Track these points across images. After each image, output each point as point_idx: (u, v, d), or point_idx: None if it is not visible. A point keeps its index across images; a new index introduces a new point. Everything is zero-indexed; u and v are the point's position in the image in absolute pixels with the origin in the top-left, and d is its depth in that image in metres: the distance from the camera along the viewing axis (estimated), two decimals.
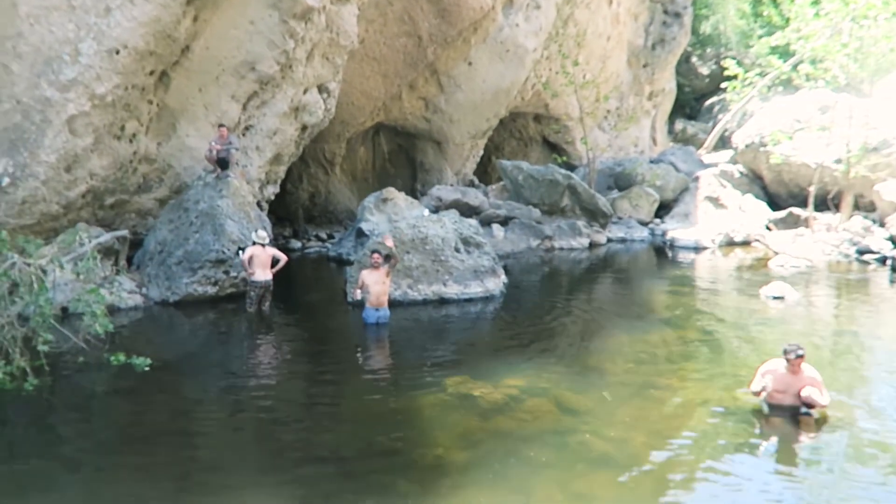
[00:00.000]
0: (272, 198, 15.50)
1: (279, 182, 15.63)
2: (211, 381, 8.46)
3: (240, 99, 13.60)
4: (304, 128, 15.12)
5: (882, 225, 17.43)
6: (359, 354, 9.51)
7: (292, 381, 8.53)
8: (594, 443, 6.34)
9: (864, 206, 19.07)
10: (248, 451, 6.42)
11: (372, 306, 10.12)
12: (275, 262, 11.01)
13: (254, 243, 10.96)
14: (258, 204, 14.16)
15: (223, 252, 11.58)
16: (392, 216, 14.92)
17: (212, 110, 13.33)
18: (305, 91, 14.59)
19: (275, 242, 14.04)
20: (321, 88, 15.09)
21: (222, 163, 12.59)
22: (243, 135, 14.18)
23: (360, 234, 14.76)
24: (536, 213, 18.06)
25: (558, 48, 21.08)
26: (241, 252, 11.28)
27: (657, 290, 13.43)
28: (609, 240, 18.55)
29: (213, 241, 11.68)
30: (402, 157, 21.56)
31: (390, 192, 15.89)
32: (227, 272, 11.60)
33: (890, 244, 16.13)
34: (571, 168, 22.07)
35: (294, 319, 11.52)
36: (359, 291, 10.18)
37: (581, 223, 17.98)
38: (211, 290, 11.62)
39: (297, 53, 13.65)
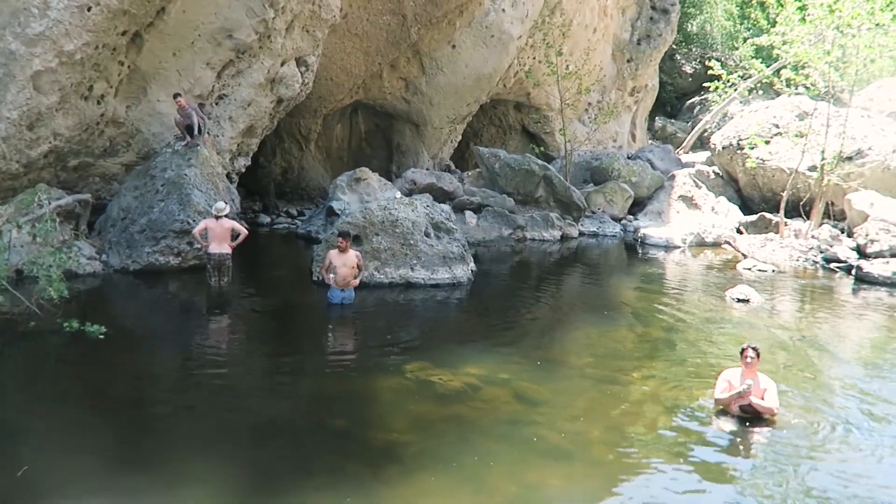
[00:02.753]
0: (243, 170, 15.24)
1: (251, 155, 15.36)
2: (166, 353, 8.28)
3: (215, 66, 13.29)
4: (279, 101, 14.84)
5: (850, 234, 17.67)
6: (320, 334, 9.38)
7: (249, 357, 8.39)
8: (549, 435, 6.31)
9: (835, 215, 19.32)
10: (198, 427, 6.28)
11: (337, 286, 9.97)
12: (235, 235, 10.75)
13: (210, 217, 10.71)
14: (228, 176, 13.91)
15: (188, 222, 11.32)
16: (364, 196, 14.75)
17: (185, 76, 13.01)
18: (283, 63, 14.31)
19: (243, 216, 13.82)
20: (299, 62, 14.82)
21: (189, 129, 12.31)
22: (216, 104, 13.88)
23: (331, 212, 14.57)
24: (510, 202, 17.99)
25: (543, 37, 20.94)
26: None
27: (625, 286, 13.46)
28: (581, 233, 18.57)
29: (178, 210, 11.42)
30: (379, 137, 21.32)
31: (364, 171, 15.70)
32: (190, 243, 11.36)
33: (856, 254, 16.35)
34: (549, 159, 22.03)
35: (258, 295, 11.33)
36: (329, 276, 9.97)
37: (554, 215, 17.96)
38: (173, 260, 11.38)
39: (276, 24, 13.36)
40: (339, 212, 13.99)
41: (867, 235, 16.60)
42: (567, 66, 21.49)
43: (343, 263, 9.90)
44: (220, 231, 10.53)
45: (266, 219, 17.71)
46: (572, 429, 6.47)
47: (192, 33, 12.65)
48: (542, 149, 23.30)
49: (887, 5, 18.74)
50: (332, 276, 9.93)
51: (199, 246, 10.88)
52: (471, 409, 6.80)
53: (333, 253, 10.01)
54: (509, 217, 17.35)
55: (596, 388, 7.56)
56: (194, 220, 11.27)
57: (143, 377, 7.41)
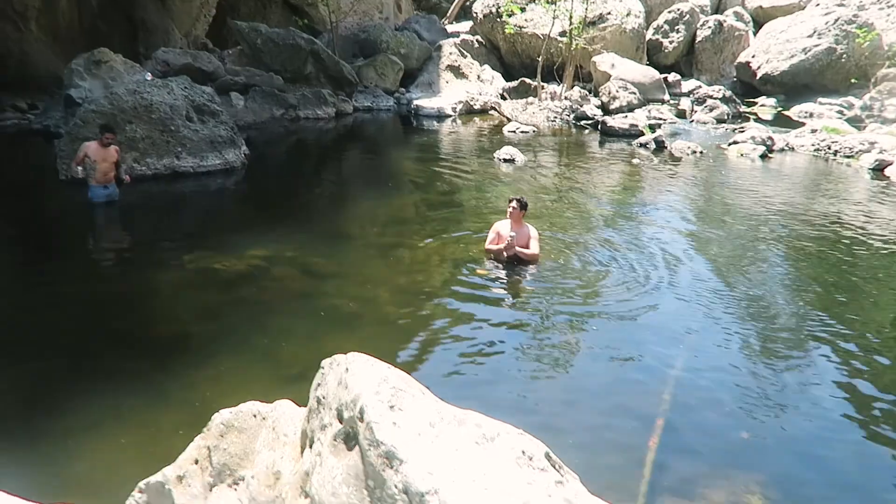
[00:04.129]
0: None
1: None
2: None
3: None
4: None
5: (596, 94, 19.47)
6: (83, 237, 8.48)
7: None
8: (340, 304, 6.44)
9: (584, 77, 21.06)
10: None
11: (99, 184, 8.97)
12: None
13: None
14: None
15: None
16: (108, 82, 13.07)
17: None
18: None
19: None
20: None
21: None
22: None
23: (70, 102, 12.79)
24: (279, 80, 17.10)
25: None
26: None
27: (402, 157, 13.73)
28: (356, 108, 18.36)
29: None
30: (116, 13, 18.71)
31: (104, 52, 13.83)
32: None
33: (601, 111, 18.14)
34: (314, 33, 21.05)
35: None
36: (76, 168, 8.92)
37: (326, 91, 17.45)
38: None
39: None
40: (79, 100, 12.31)
41: (609, 94, 18.46)
42: None
43: (104, 158, 8.90)
44: None
45: None
46: (362, 295, 6.66)
47: None
48: (305, 22, 22.16)
49: None
50: (79, 168, 8.89)
51: None
52: (259, 290, 6.70)
53: (92, 146, 8.89)
54: (279, 96, 16.55)
55: (381, 255, 7.79)
56: None
57: None
